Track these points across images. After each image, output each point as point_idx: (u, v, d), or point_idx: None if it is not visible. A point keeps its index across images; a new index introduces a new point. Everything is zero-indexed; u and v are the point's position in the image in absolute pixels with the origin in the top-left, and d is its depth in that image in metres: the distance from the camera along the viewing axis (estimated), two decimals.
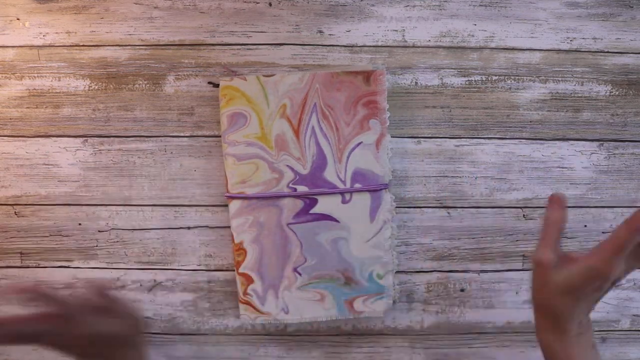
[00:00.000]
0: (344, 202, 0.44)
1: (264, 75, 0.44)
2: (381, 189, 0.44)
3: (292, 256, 0.45)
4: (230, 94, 0.44)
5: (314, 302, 0.46)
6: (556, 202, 0.32)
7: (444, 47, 0.46)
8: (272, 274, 0.45)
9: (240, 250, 0.45)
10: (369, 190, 0.44)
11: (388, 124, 0.44)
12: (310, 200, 0.44)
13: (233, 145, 0.44)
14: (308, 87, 0.44)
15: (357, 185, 0.44)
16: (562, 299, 0.30)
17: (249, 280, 0.46)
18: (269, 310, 0.46)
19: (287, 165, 0.44)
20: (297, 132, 0.44)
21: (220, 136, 0.46)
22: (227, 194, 0.45)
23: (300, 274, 0.45)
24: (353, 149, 0.44)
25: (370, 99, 0.44)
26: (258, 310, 0.46)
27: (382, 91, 0.44)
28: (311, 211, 0.44)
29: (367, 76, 0.43)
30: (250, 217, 0.45)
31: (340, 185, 0.44)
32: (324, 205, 0.44)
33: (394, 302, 0.46)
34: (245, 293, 0.46)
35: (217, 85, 0.45)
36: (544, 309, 0.31)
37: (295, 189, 0.44)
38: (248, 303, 0.46)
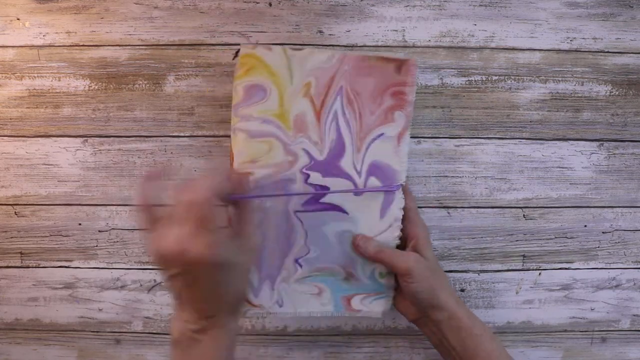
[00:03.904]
0: (356, 193, 0.42)
1: (291, 48, 0.41)
2: (395, 190, 0.42)
3: (296, 246, 0.43)
4: (250, 63, 0.41)
5: (311, 295, 0.44)
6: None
7: (444, 47, 0.46)
8: (271, 263, 0.43)
9: None
10: (384, 191, 0.42)
11: (411, 117, 0.42)
12: (322, 188, 0.42)
13: (246, 119, 0.41)
14: (337, 67, 0.41)
15: (372, 179, 0.42)
16: None
17: None
18: (262, 302, 0.43)
19: (304, 149, 0.42)
20: (318, 115, 0.42)
21: (220, 136, 0.46)
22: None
23: (301, 266, 0.43)
24: (374, 140, 0.42)
25: (399, 89, 0.41)
26: (249, 303, 0.43)
27: (412, 83, 0.41)
28: (322, 200, 0.42)
29: (399, 65, 0.41)
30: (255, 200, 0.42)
31: (355, 176, 0.42)
32: (336, 194, 0.42)
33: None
34: None
35: (237, 55, 0.42)
36: None
37: (308, 175, 0.42)
38: None
